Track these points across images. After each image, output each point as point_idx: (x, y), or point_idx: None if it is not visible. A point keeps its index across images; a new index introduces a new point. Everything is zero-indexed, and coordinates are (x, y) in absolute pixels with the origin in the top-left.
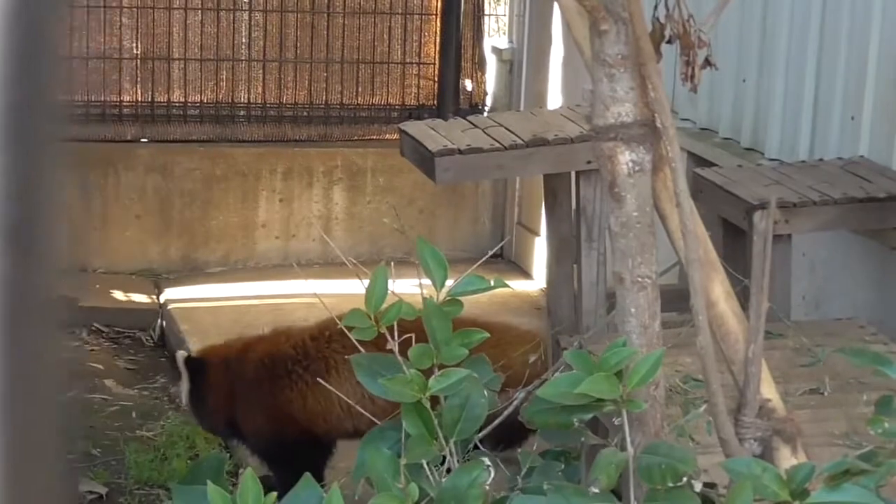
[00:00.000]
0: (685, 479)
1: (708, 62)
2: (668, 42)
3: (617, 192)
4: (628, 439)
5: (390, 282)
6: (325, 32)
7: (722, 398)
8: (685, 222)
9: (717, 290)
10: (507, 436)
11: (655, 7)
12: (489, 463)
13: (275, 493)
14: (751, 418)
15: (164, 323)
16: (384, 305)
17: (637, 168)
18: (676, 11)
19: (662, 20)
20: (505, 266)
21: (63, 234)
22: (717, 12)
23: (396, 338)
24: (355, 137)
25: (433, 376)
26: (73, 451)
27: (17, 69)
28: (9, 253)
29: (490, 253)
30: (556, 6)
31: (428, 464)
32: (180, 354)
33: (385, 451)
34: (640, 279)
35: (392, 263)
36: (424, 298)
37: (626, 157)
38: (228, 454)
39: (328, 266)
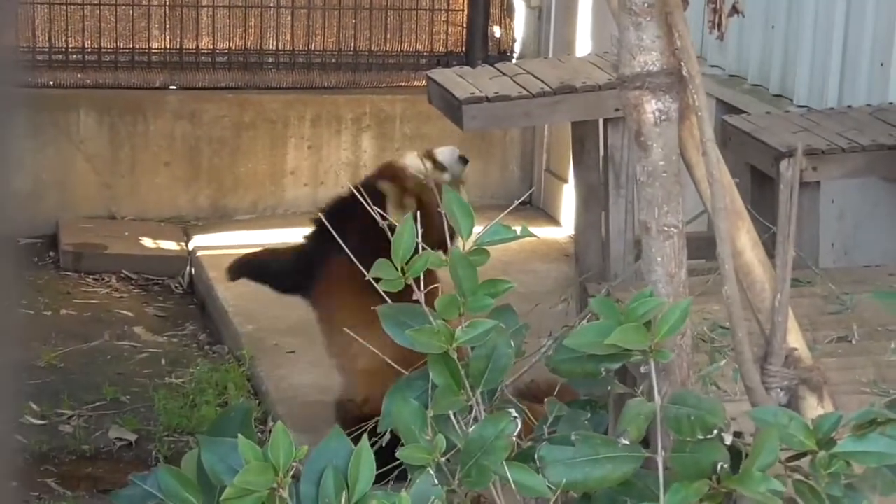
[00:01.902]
0: (715, 431)
1: (735, 9)
2: None
3: (643, 140)
4: (656, 389)
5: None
6: None
7: (748, 347)
8: (711, 171)
9: (743, 238)
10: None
11: None
12: (516, 414)
13: (306, 447)
14: (777, 367)
15: (193, 270)
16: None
17: (663, 117)
18: None
19: None
20: (533, 213)
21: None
22: None
23: (422, 288)
24: (383, 84)
25: (459, 327)
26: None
27: None
28: None
29: (517, 202)
30: None
31: (455, 414)
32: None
33: (412, 402)
34: (666, 228)
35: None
36: (450, 248)
37: (652, 106)
38: (257, 401)
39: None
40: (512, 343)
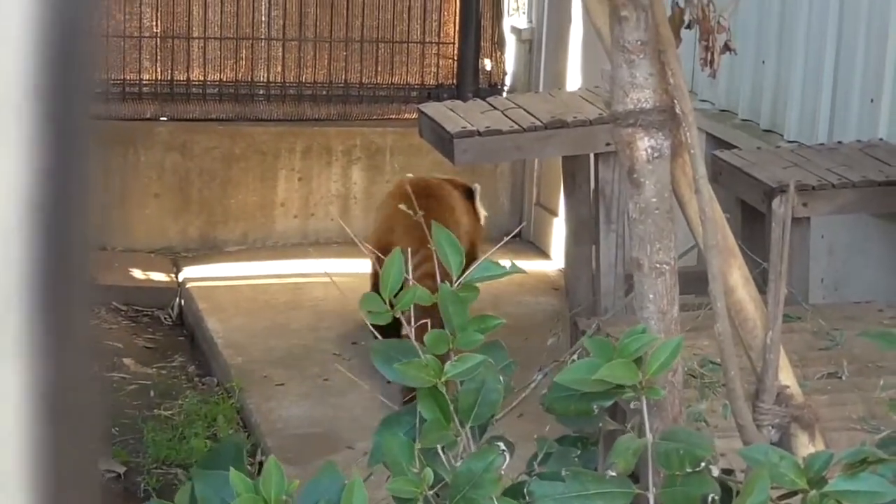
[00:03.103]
0: (703, 464)
1: (727, 47)
2: (688, 27)
3: (636, 177)
4: (647, 426)
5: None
6: (345, 11)
7: (740, 385)
8: (704, 208)
9: (735, 275)
10: None
11: None
12: (504, 448)
13: (297, 482)
14: (769, 405)
15: (183, 301)
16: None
17: (656, 154)
18: None
19: (682, 5)
20: (523, 246)
21: (94, 213)
22: None
23: (413, 322)
24: (374, 117)
25: (449, 361)
26: (103, 429)
27: (53, 46)
28: (40, 232)
29: (506, 238)
30: None
31: (443, 449)
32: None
33: (401, 436)
34: (658, 265)
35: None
36: (440, 284)
37: (645, 144)
38: (247, 433)
39: (347, 245)
40: (501, 378)
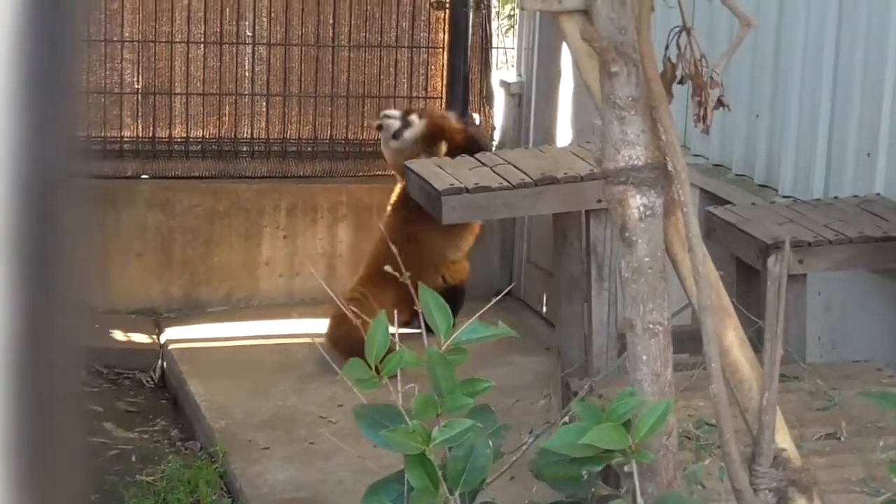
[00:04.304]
0: None
1: (721, 103)
2: (680, 83)
3: (628, 236)
4: (638, 491)
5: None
6: (330, 66)
7: (736, 448)
8: (697, 267)
9: (730, 336)
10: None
11: (667, 47)
12: None
13: None
14: (765, 468)
15: (165, 363)
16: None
17: (648, 212)
18: (688, 51)
19: (674, 60)
20: (513, 304)
21: (84, 271)
22: (729, 53)
23: (399, 387)
24: (360, 173)
25: (436, 427)
26: (91, 490)
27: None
28: (29, 290)
29: (495, 300)
30: None
31: None
32: None
33: None
34: (651, 326)
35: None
36: (427, 347)
37: (637, 202)
38: (230, 499)
39: (333, 305)
40: (490, 443)
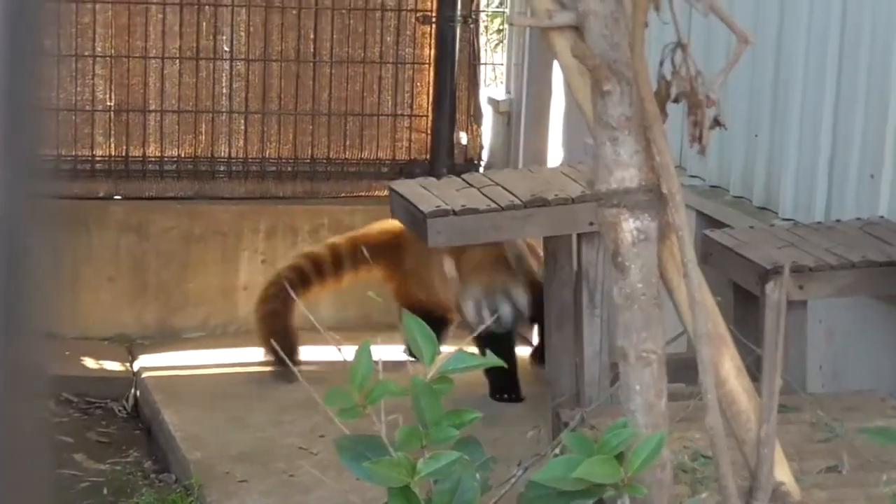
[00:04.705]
0: None
1: (717, 122)
2: (675, 101)
3: (620, 261)
4: None
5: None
6: (311, 83)
7: (733, 481)
8: (693, 294)
9: (726, 366)
10: None
11: (661, 64)
12: None
13: None
14: (764, 503)
15: (139, 392)
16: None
17: (642, 237)
18: (683, 68)
19: (669, 78)
20: None
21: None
22: (726, 70)
23: (383, 417)
24: (343, 194)
25: (421, 459)
26: None
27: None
28: None
29: (482, 327)
30: None
31: None
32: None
33: None
34: (644, 355)
35: (379, 338)
36: (412, 377)
37: (630, 225)
38: None
39: (314, 332)
40: (478, 476)
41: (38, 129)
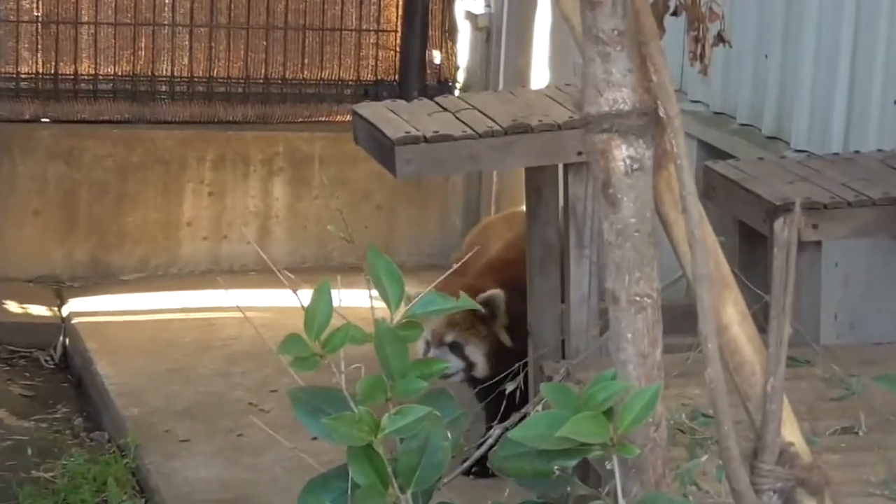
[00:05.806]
0: None
1: (721, 38)
2: (674, 14)
3: (611, 193)
4: (620, 491)
5: (337, 297)
6: None
7: (735, 441)
8: (693, 231)
9: (729, 311)
10: None
11: None
12: None
13: None
14: (770, 465)
15: (68, 340)
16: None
17: (635, 166)
18: None
19: None
20: None
21: None
22: None
23: (343, 367)
24: (300, 119)
25: (386, 414)
26: None
27: None
28: None
29: (457, 264)
30: None
31: None
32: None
33: None
34: (638, 298)
35: (339, 277)
36: (376, 321)
37: (622, 153)
38: (144, 499)
39: (265, 274)
40: (449, 434)
41: None
